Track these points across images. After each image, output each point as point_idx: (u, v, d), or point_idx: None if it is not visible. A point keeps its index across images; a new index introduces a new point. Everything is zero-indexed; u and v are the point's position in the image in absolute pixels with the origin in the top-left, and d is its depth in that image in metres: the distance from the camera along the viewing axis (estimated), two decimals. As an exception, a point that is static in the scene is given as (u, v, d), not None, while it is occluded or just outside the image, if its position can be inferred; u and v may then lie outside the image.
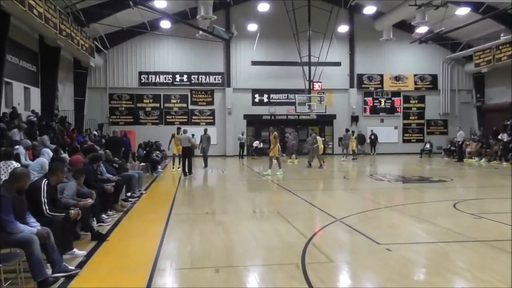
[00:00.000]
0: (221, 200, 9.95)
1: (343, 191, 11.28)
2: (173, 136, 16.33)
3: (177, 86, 26.82)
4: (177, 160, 16.51)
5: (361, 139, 27.10)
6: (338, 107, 27.95)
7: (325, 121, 27.85)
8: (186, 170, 14.43)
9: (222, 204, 9.28)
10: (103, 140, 17.36)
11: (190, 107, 27.06)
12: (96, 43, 22.86)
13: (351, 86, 28.13)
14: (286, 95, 27.61)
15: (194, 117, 27.11)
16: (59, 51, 18.05)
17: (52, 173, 5.15)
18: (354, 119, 28.06)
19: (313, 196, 10.01)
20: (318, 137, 18.11)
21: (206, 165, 17.30)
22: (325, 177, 14.64)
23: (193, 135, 16.64)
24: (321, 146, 17.75)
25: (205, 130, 17.86)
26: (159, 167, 17.07)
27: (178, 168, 15.99)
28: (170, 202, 9.04)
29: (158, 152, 18.83)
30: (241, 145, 25.08)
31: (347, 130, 22.70)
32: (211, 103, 27.25)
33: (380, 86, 28.54)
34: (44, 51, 17.37)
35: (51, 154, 9.39)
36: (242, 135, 25.48)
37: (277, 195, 10.45)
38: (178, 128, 16.53)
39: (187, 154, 14.59)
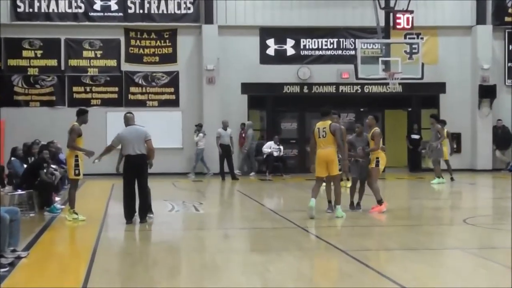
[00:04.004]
0: (194, 270, 9.97)
1: (463, 252, 11.23)
2: (74, 130, 14.90)
3: (97, 21, 27.17)
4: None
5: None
6: (450, 67, 28.13)
7: (422, 99, 28.02)
8: (136, 211, 14.21)
9: (196, 279, 9.29)
10: None
11: (125, 67, 27.48)
12: None
13: (480, 21, 28.15)
14: (333, 40, 27.79)
15: (133, 89, 27.45)
16: None
17: None
18: (487, 92, 27.94)
19: (395, 263, 10.04)
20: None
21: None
22: (421, 221, 14.63)
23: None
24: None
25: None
26: (58, 198, 17.05)
27: (73, 215, 14.45)
28: (82, 276, 9.03)
29: (54, 166, 18.89)
30: (225, 150, 24.97)
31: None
32: (170, 59, 27.64)
33: (542, 20, 28.60)
34: None
35: None
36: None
37: (315, 261, 10.50)
38: (83, 112, 15.23)
39: (138, 170, 14.19)
